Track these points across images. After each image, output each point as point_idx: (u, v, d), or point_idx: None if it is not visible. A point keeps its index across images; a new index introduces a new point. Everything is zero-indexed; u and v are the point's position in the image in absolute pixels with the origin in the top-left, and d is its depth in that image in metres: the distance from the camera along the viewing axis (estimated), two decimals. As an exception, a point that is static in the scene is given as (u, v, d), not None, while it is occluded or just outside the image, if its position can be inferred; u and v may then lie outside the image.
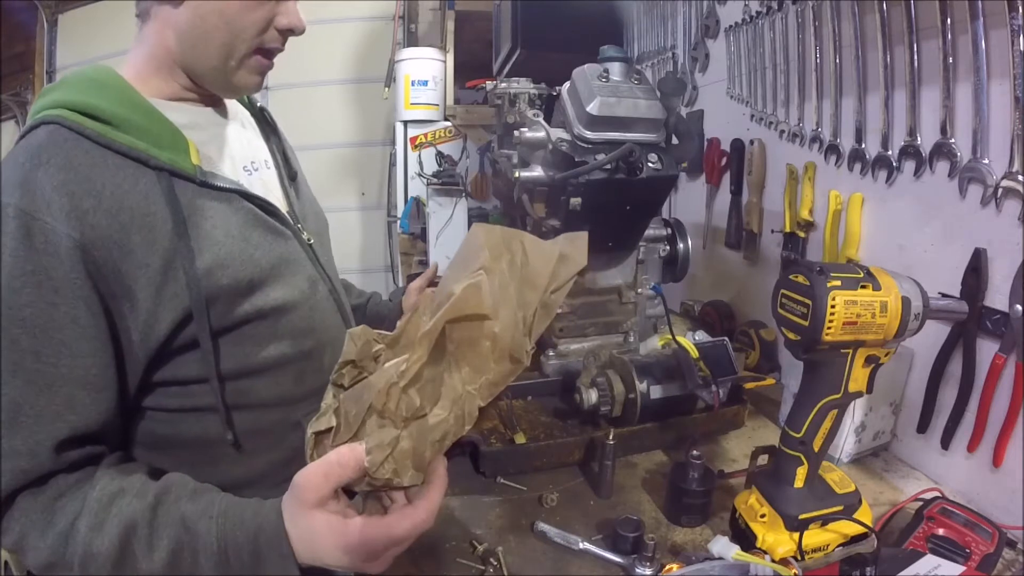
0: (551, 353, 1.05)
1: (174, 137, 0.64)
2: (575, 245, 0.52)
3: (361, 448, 0.45)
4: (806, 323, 0.61)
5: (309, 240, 0.78)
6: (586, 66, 0.88)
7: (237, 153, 0.75)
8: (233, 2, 0.63)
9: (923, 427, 0.88)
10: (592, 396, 0.88)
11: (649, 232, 1.05)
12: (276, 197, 0.78)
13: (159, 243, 0.59)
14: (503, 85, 1.19)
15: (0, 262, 0.53)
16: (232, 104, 0.79)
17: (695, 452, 0.76)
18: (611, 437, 0.80)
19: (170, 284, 0.60)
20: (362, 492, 0.49)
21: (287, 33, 0.68)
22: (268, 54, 0.69)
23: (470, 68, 2.39)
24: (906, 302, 0.62)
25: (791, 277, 0.64)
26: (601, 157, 0.83)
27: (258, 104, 0.85)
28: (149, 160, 0.61)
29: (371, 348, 0.51)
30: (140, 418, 0.66)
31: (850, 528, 0.66)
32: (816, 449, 0.66)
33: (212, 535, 0.51)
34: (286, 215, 0.75)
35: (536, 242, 0.49)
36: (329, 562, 0.49)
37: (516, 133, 0.90)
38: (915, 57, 0.85)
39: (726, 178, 1.42)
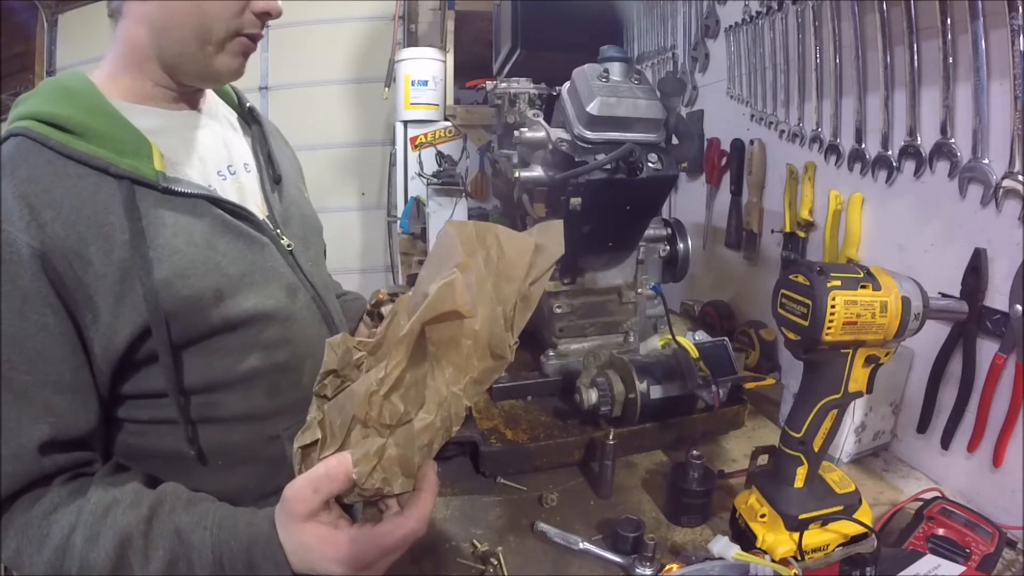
0: (551, 353, 1.05)
1: (138, 143, 0.62)
2: (551, 234, 0.51)
3: (349, 458, 0.45)
4: (806, 323, 0.61)
5: (289, 246, 0.74)
6: (586, 66, 0.88)
7: (212, 156, 0.72)
8: None
9: (923, 427, 0.88)
10: (592, 396, 0.88)
11: (649, 232, 1.05)
12: (254, 202, 0.75)
13: (116, 253, 0.58)
14: (503, 85, 1.18)
15: None
16: (212, 104, 0.77)
17: (695, 452, 0.76)
18: (611, 437, 0.80)
19: (128, 295, 0.59)
20: (353, 502, 0.48)
21: (264, 17, 0.66)
22: (249, 37, 0.67)
23: (470, 68, 2.39)
24: (906, 302, 0.62)
25: (791, 277, 0.64)
26: (601, 157, 0.83)
27: (247, 104, 0.83)
28: (110, 168, 0.59)
29: (352, 356, 0.50)
30: (114, 429, 0.65)
31: (850, 528, 0.66)
32: (816, 449, 0.66)
33: (207, 545, 0.51)
34: (263, 221, 0.72)
35: (511, 234, 0.48)
36: (324, 571, 0.49)
37: (516, 133, 0.90)
38: (915, 57, 0.85)
39: (726, 178, 1.42)
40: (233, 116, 0.81)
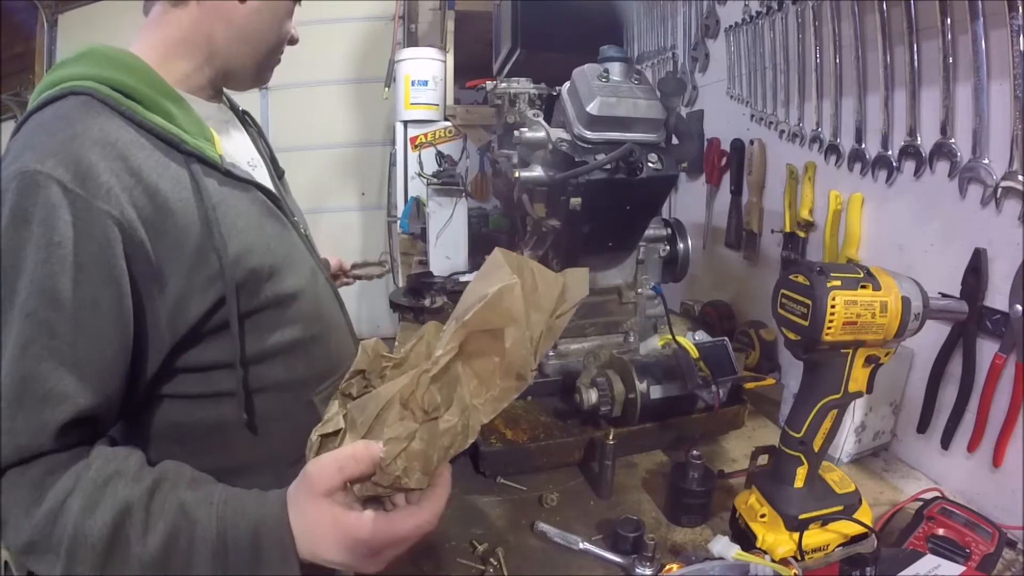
0: (551, 353, 1.05)
1: (200, 126, 0.65)
2: (578, 278, 0.56)
3: (376, 446, 0.45)
4: (806, 323, 0.61)
5: (306, 232, 0.80)
6: (586, 66, 0.88)
7: (239, 149, 0.78)
8: (283, 6, 0.71)
9: (923, 427, 0.88)
10: (592, 396, 0.88)
11: (649, 232, 1.05)
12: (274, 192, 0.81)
13: (192, 228, 0.59)
14: (503, 85, 1.19)
15: (31, 233, 0.51)
16: (225, 107, 0.82)
17: (695, 452, 0.76)
18: (611, 437, 0.80)
19: (202, 269, 0.60)
20: (363, 497, 0.49)
21: (292, 42, 0.77)
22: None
23: (470, 68, 2.39)
24: (906, 302, 0.62)
25: (791, 277, 0.64)
26: (601, 157, 0.83)
27: (239, 107, 0.88)
28: (180, 145, 0.61)
29: (380, 363, 0.53)
30: (157, 406, 0.65)
31: (850, 528, 0.66)
32: (816, 449, 0.66)
33: (212, 521, 0.49)
34: (285, 207, 0.77)
35: (544, 271, 0.52)
36: (327, 558, 0.48)
37: (516, 133, 0.90)
38: (915, 57, 0.85)
39: (726, 178, 1.42)
40: (235, 117, 0.85)
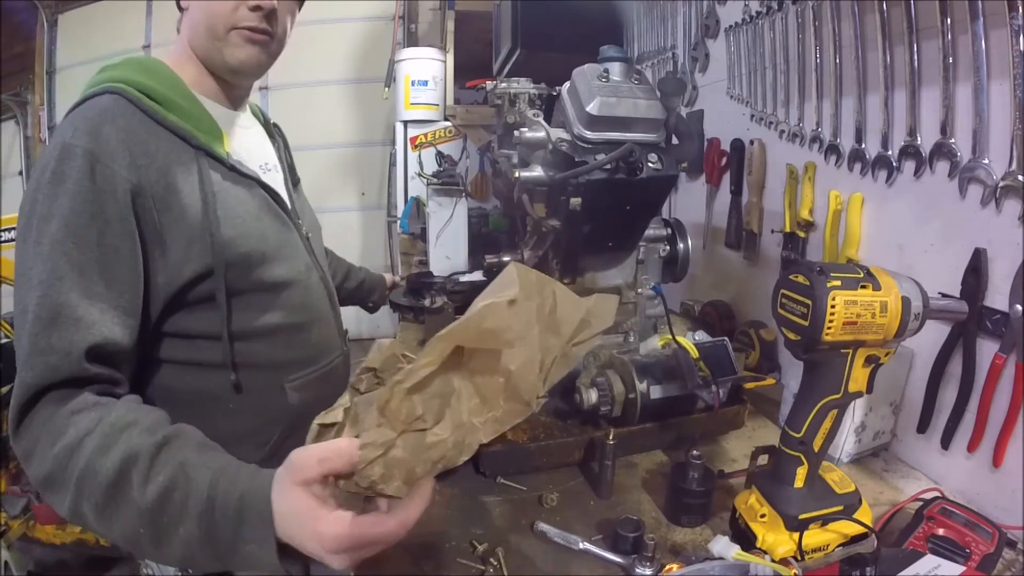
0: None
1: (212, 125, 0.77)
2: (604, 305, 0.54)
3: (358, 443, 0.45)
4: (806, 323, 0.61)
5: (307, 233, 0.90)
6: (586, 66, 0.88)
7: (254, 152, 0.87)
8: None
9: (923, 427, 0.88)
10: (592, 396, 0.88)
11: (649, 232, 1.05)
12: (282, 194, 0.88)
13: (194, 208, 0.71)
14: (503, 85, 1.18)
15: (66, 189, 0.64)
16: (250, 114, 0.93)
17: (695, 452, 0.76)
18: (611, 437, 0.80)
19: (197, 242, 0.71)
20: (344, 494, 0.48)
21: (256, 10, 0.77)
22: (250, 30, 0.78)
23: (470, 68, 2.39)
24: (906, 302, 0.62)
25: (791, 277, 0.63)
26: (601, 157, 0.83)
27: (271, 122, 1.00)
28: (191, 139, 0.73)
29: (394, 363, 0.52)
30: (151, 369, 0.75)
31: (850, 528, 0.66)
32: (816, 449, 0.66)
33: (204, 483, 0.53)
34: (290, 209, 0.87)
35: (568, 294, 0.51)
36: (299, 544, 0.49)
37: (516, 133, 0.90)
38: (915, 57, 0.85)
39: (726, 178, 1.42)
40: (260, 127, 0.96)
